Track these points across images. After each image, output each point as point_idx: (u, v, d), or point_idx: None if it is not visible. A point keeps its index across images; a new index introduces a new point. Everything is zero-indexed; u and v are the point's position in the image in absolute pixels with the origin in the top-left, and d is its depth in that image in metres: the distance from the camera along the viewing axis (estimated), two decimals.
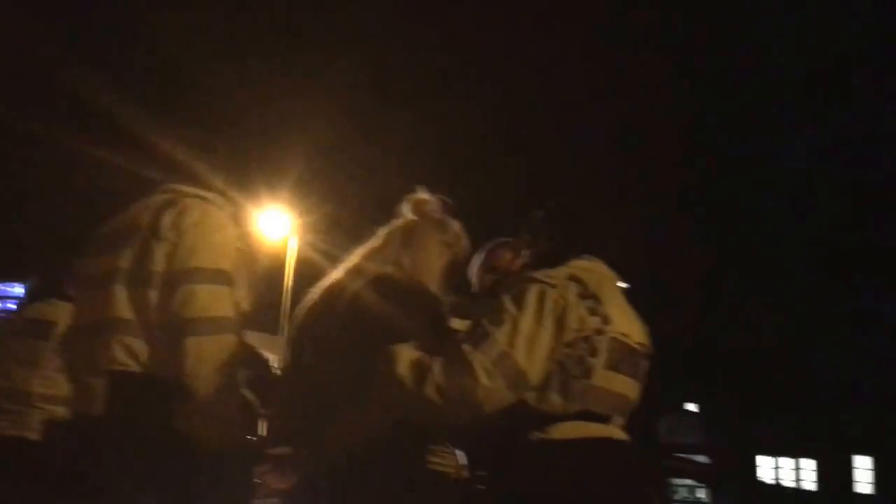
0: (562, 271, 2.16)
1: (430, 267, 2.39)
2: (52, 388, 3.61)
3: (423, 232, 2.44)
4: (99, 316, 2.35)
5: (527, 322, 2.02)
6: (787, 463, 26.42)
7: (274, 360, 2.82)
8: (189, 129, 2.64)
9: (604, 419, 2.11)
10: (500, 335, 2.01)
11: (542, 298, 2.06)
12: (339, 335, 2.18)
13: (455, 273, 2.51)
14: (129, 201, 2.53)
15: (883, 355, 21.61)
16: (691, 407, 25.78)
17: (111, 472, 2.19)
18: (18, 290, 11.30)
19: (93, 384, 2.31)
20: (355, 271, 2.33)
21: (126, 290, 2.35)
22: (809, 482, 25.82)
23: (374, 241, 2.44)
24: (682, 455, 10.32)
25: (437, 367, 1.98)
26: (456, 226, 2.52)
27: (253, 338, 2.57)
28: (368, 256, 2.39)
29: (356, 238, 2.50)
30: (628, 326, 2.21)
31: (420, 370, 1.99)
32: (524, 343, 2.01)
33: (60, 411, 3.55)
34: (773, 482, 24.04)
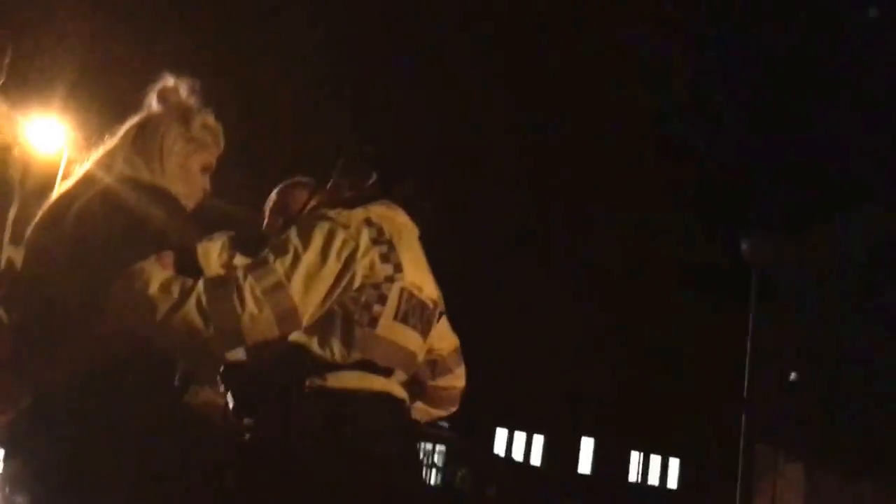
0: (357, 213, 2.02)
1: (171, 169, 2.05)
2: None
3: (164, 126, 2.08)
4: None
5: (309, 257, 1.88)
6: (520, 437, 28.44)
7: None
8: None
9: (386, 373, 2.00)
10: (278, 265, 1.85)
11: (330, 237, 1.92)
12: (67, 251, 1.88)
13: (206, 177, 2.17)
14: None
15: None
16: None
17: None
18: None
19: None
20: (85, 180, 2.00)
21: None
22: (537, 458, 28.01)
23: (108, 142, 2.09)
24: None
25: (200, 287, 1.79)
26: (207, 117, 2.15)
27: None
28: (100, 162, 2.03)
29: None
30: (422, 279, 2.11)
31: (178, 291, 1.77)
32: (302, 278, 1.86)
33: None
34: (504, 455, 25.67)
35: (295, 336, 1.91)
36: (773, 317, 14.50)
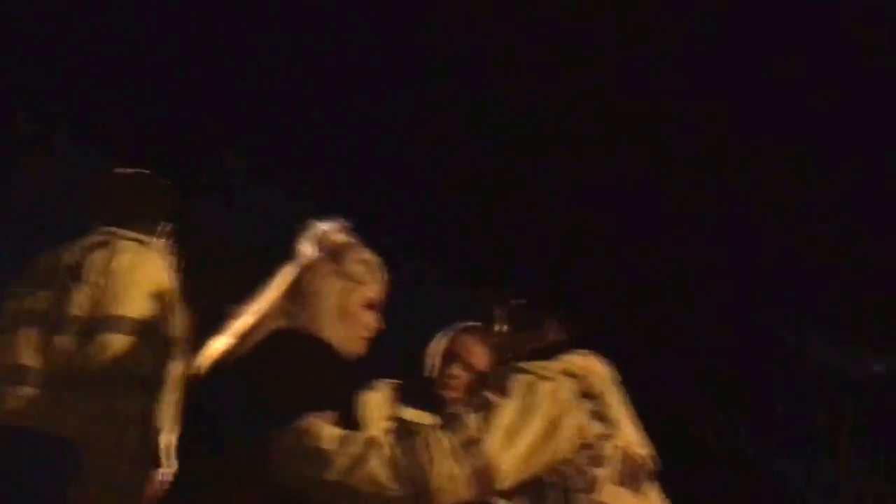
0: (555, 364, 1.85)
1: (329, 313, 1.92)
2: None
3: (317, 270, 1.97)
4: (5, 361, 2.16)
5: (508, 413, 1.72)
6: None
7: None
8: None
9: None
10: (472, 420, 1.71)
11: (531, 391, 1.77)
12: (229, 404, 1.78)
13: (372, 314, 2.03)
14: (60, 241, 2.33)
15: None
16: None
17: None
18: None
19: None
20: (242, 333, 1.92)
21: (35, 335, 2.17)
22: None
23: (262, 294, 2.00)
24: None
25: (386, 440, 1.68)
26: (360, 252, 2.04)
27: None
28: (256, 313, 1.94)
29: None
30: (636, 436, 1.94)
31: (359, 445, 1.65)
32: (501, 435, 1.70)
33: None
34: None
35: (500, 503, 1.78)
36: None
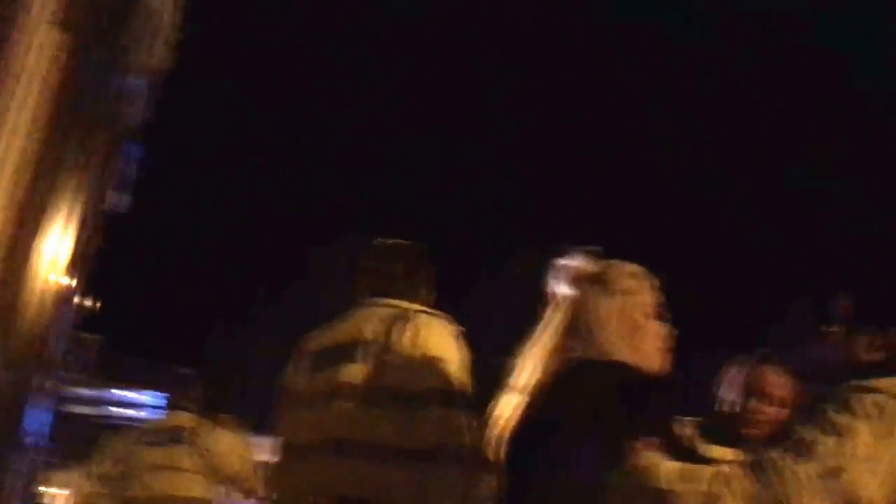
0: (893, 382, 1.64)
1: (613, 338, 1.80)
2: (193, 490, 3.95)
3: (587, 300, 1.86)
4: (320, 435, 2.21)
5: (863, 437, 1.54)
6: None
7: None
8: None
9: None
10: (829, 445, 1.53)
11: (881, 410, 1.57)
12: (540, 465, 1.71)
13: (659, 326, 1.90)
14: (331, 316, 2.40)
15: None
16: None
17: None
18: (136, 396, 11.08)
19: None
20: (526, 386, 1.82)
21: (352, 408, 2.20)
22: None
23: (536, 343, 1.90)
24: None
25: (734, 474, 1.49)
26: (621, 265, 1.93)
27: None
28: (536, 361, 1.84)
29: None
30: None
31: (706, 481, 1.47)
32: (860, 462, 1.52)
33: None
34: None
35: None
36: None
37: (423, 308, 2.38)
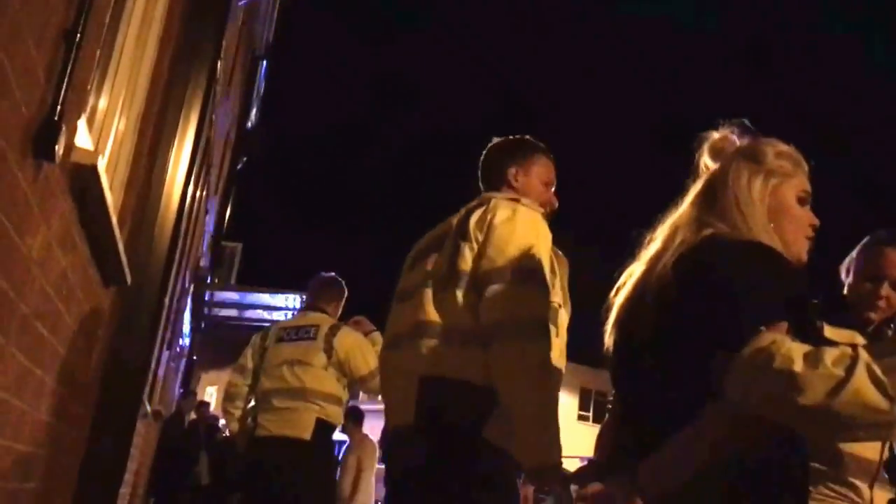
0: None
1: (757, 218, 1.68)
2: (323, 385, 4.17)
3: (732, 174, 1.74)
4: (410, 322, 2.32)
5: None
6: None
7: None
8: None
9: None
10: None
11: None
12: (651, 334, 1.64)
13: (808, 210, 1.78)
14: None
15: None
16: None
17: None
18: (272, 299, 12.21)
19: (407, 390, 2.27)
20: (652, 257, 1.73)
21: (433, 293, 2.30)
22: None
23: (669, 213, 1.81)
24: None
25: (863, 356, 1.37)
26: (775, 144, 1.79)
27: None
28: (675, 225, 1.75)
29: None
30: None
31: (842, 366, 1.37)
32: None
33: (330, 410, 4.18)
34: None
35: None
36: None
37: (506, 195, 2.43)
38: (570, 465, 2.36)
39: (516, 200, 2.37)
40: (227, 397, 4.39)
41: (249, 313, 14.14)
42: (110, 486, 3.70)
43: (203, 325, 14.41)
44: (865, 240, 2.43)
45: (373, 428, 7.09)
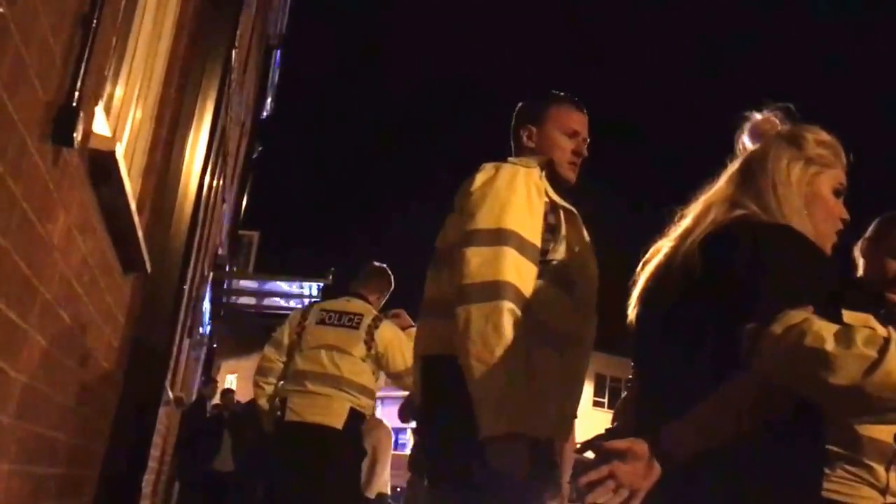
0: None
1: (791, 203, 1.66)
2: (359, 376, 4.13)
3: (771, 157, 1.71)
4: (423, 304, 2.34)
5: None
6: None
7: None
8: None
9: None
10: None
11: None
12: (674, 311, 1.63)
13: (840, 202, 1.77)
14: None
15: None
16: None
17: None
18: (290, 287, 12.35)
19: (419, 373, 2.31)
20: (687, 232, 1.70)
21: (431, 272, 2.32)
22: None
23: (704, 191, 1.79)
24: None
25: (892, 336, 1.36)
26: (818, 132, 1.77)
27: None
28: (708, 203, 1.73)
29: None
30: None
31: (875, 347, 1.35)
32: None
33: (363, 401, 4.17)
34: None
35: None
36: None
37: (511, 159, 2.33)
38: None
39: (506, 161, 2.31)
40: (261, 371, 4.26)
41: (268, 301, 14.21)
42: (134, 471, 3.74)
43: (222, 313, 14.51)
44: (881, 218, 2.38)
45: (389, 413, 7.13)
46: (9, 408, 1.92)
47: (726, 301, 1.53)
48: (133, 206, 2.74)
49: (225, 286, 13.08)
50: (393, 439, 7.07)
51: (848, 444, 2.10)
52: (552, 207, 2.27)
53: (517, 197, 2.18)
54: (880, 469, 2.12)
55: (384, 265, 4.56)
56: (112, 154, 2.35)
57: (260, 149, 14.83)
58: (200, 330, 10.77)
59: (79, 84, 1.91)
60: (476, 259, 2.11)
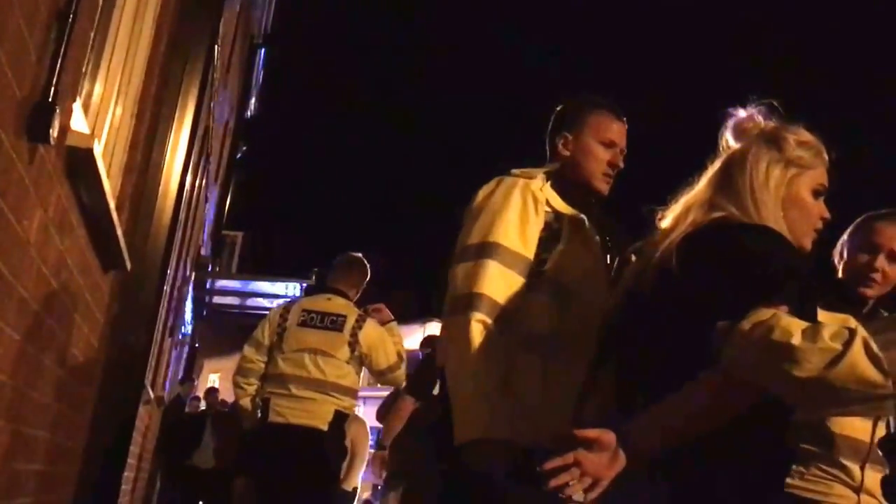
0: None
1: (768, 204, 1.69)
2: (344, 378, 4.09)
3: (750, 157, 1.73)
4: None
5: None
6: None
7: None
8: None
9: None
10: None
11: None
12: (653, 304, 1.66)
13: (821, 202, 1.78)
14: None
15: None
16: None
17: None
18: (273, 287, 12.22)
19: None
20: (666, 234, 1.74)
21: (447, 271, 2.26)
22: None
23: (689, 190, 1.81)
24: None
25: (860, 333, 1.40)
26: (799, 133, 1.78)
27: None
28: (687, 204, 1.76)
29: None
30: None
31: (839, 340, 1.39)
32: None
33: (347, 402, 4.13)
34: None
35: None
36: None
37: (514, 171, 2.29)
38: None
39: (518, 175, 2.27)
40: (241, 371, 4.19)
41: (250, 301, 14.16)
42: (114, 469, 3.73)
43: (205, 313, 14.44)
44: (857, 220, 2.41)
45: (370, 413, 7.10)
46: None
47: (700, 300, 1.55)
48: (112, 203, 2.73)
49: (208, 286, 13.02)
50: (370, 438, 7.05)
51: (822, 442, 2.12)
52: (555, 216, 2.24)
53: (510, 210, 2.19)
54: (855, 467, 2.13)
55: (359, 255, 4.48)
56: (90, 151, 2.34)
57: (244, 149, 14.77)
58: (183, 330, 10.72)
59: (55, 80, 1.91)
60: (461, 273, 2.15)
